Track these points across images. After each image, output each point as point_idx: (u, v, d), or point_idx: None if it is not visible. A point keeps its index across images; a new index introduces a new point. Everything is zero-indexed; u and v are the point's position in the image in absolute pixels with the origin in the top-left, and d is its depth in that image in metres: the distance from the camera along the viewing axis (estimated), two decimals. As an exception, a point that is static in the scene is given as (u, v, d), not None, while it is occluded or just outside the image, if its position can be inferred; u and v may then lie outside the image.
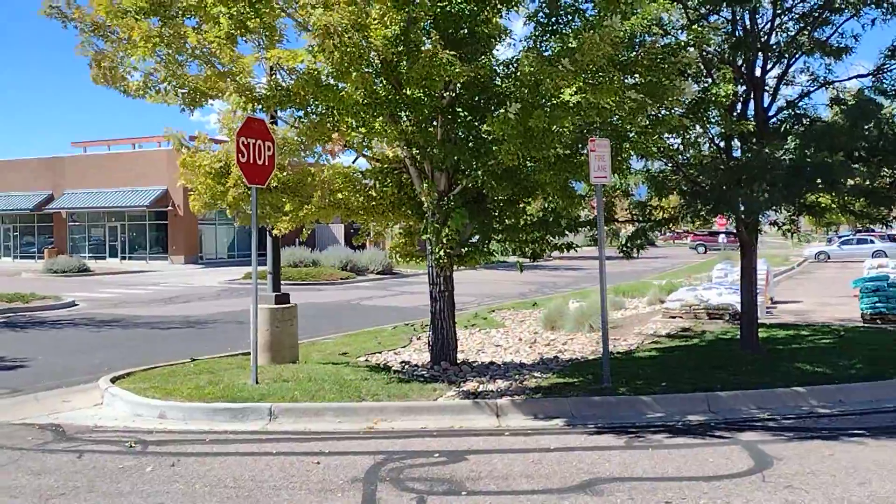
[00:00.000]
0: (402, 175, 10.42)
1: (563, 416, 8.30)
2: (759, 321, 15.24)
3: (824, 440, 7.23)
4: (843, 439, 7.23)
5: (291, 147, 9.83)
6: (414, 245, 10.84)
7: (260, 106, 8.71)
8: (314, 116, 8.97)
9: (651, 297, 20.14)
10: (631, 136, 9.55)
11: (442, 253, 9.58)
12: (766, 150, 9.31)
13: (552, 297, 21.47)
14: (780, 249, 51.17)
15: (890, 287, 14.65)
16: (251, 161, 9.43)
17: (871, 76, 10.94)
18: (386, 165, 10.36)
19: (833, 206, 11.49)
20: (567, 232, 10.26)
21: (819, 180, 9.08)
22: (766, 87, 11.38)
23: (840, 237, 45.06)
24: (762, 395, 8.62)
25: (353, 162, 10.60)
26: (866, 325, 14.61)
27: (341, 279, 30.00)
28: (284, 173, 10.28)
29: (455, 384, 9.50)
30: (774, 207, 9.06)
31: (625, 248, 11.80)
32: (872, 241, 41.61)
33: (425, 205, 9.49)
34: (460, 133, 9.37)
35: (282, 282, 28.34)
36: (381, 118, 9.17)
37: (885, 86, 10.72)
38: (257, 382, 9.57)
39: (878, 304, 14.60)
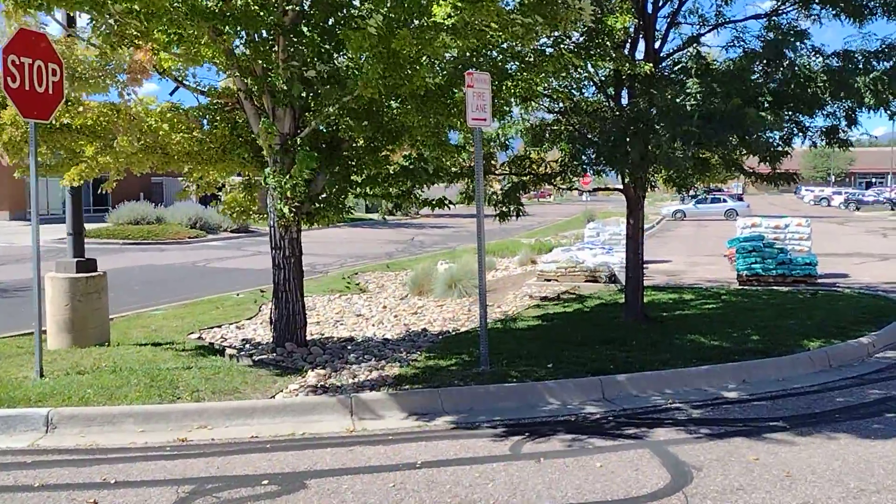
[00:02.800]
0: (237, 113, 8.31)
1: (435, 412, 6.61)
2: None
3: (744, 437, 5.91)
4: (764, 436, 5.94)
5: (90, 73, 7.52)
6: (254, 201, 8.79)
7: (40, 2, 6.30)
8: (113, 23, 6.68)
9: (522, 257, 18.97)
10: (513, 72, 7.88)
11: (286, 209, 7.65)
12: (668, 95, 7.86)
13: (419, 258, 20.42)
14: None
15: (766, 247, 13.95)
16: (26, 87, 7.04)
17: (766, 17, 9.76)
18: (215, 100, 8.21)
19: (719, 163, 10.35)
20: (437, 182, 8.56)
21: (731, 130, 7.72)
22: (657, 30, 10.02)
23: (693, 197, 46.02)
24: (662, 378, 7.28)
25: (171, 95, 8.37)
26: (743, 286, 13.91)
27: (189, 238, 27.22)
28: (81, 108, 7.92)
29: (301, 372, 7.62)
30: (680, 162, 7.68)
31: (502, 209, 10.24)
32: (725, 201, 42.70)
33: (265, 150, 7.49)
34: (308, 59, 7.34)
35: (121, 241, 25.50)
36: (205, 37, 7.03)
37: (781, 27, 9.53)
38: (42, 376, 7.30)
39: (754, 266, 13.89)
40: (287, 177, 7.42)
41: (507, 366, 7.68)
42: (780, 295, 12.55)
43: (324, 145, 8.22)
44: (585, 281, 14.14)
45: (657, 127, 7.75)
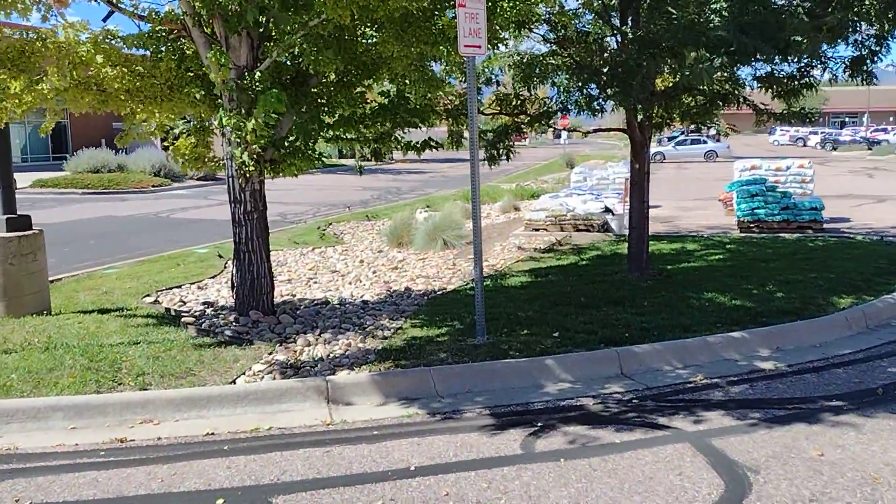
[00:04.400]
0: (185, 42, 7.00)
1: (427, 395, 5.55)
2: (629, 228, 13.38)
3: (799, 423, 4.92)
4: (822, 421, 4.95)
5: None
6: (208, 147, 7.53)
7: None
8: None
9: (505, 204, 17.91)
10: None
11: (246, 157, 6.45)
12: (691, 10, 6.64)
13: (396, 206, 19.36)
14: (611, 151, 51.07)
15: (769, 191, 12.96)
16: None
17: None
18: (158, 27, 6.88)
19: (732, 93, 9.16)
20: (422, 123, 7.41)
21: (764, 47, 6.55)
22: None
23: (671, 138, 44.97)
24: (686, 347, 6.27)
25: (105, 21, 7.00)
26: (745, 233, 12.94)
27: (153, 187, 25.73)
28: (-3, 36, 6.54)
29: (269, 345, 6.50)
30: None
31: (491, 152, 9.10)
32: (705, 142, 41.64)
33: (217, 86, 6.24)
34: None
35: (80, 191, 24.11)
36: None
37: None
38: (-42, 358, 6.08)
39: (757, 211, 12.90)
40: (250, 119, 6.17)
41: (507, 335, 6.63)
42: (789, 243, 11.60)
43: (288, 81, 6.99)
44: (576, 230, 13.15)
45: (679, 46, 6.55)
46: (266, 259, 7.21)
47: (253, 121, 5.99)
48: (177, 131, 7.63)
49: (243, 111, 6.29)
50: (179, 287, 9.49)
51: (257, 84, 6.33)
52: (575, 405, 5.38)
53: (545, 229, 13.29)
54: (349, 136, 7.65)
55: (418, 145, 7.74)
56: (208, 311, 7.98)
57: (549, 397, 5.52)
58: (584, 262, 10.56)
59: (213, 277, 10.17)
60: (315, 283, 9.92)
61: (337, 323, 7.37)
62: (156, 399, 5.27)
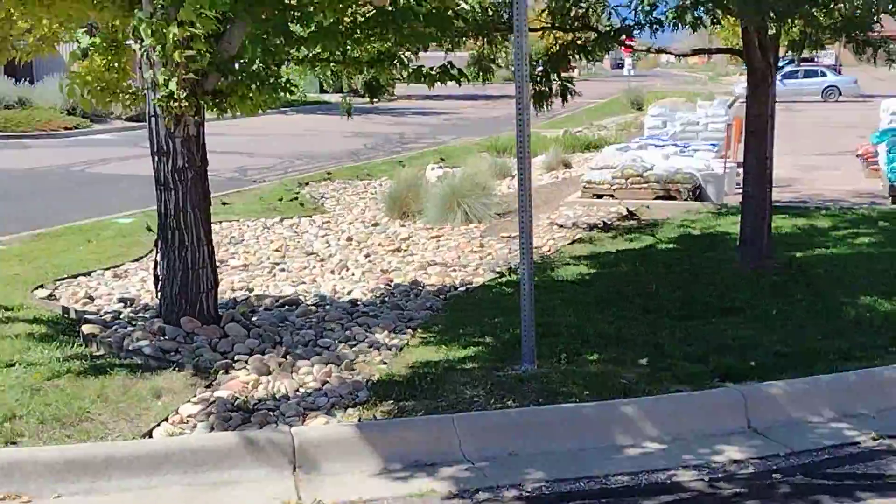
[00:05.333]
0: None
1: (448, 460, 4.80)
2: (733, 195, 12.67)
3: None
4: None
5: None
6: (124, 72, 6.84)
7: None
8: None
9: (550, 158, 17.23)
10: None
11: (174, 86, 5.80)
12: None
13: (399, 160, 18.98)
14: (693, 86, 50.10)
15: (936, 145, 12.10)
16: None
17: None
18: None
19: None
20: (439, 37, 6.77)
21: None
22: None
23: (778, 69, 43.78)
24: (847, 386, 5.47)
25: None
26: (896, 204, 12.17)
27: (66, 129, 25.08)
28: None
29: (206, 375, 5.77)
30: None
31: (539, 87, 8.49)
32: (823, 74, 40.43)
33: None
34: None
35: None
36: None
37: None
38: None
39: (917, 172, 12.06)
40: (174, 25, 5.45)
41: (568, 361, 5.88)
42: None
43: None
44: (656, 198, 12.49)
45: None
46: (206, 240, 6.57)
47: (177, 27, 5.23)
48: (78, 48, 6.90)
49: (170, 15, 5.53)
50: (88, 275, 9.03)
51: None
52: (677, 483, 4.60)
53: (611, 195, 12.62)
54: (332, 59, 6.94)
55: (433, 73, 7.00)
56: (125, 313, 7.39)
57: (634, 468, 4.74)
58: (671, 246, 9.91)
59: (136, 260, 9.68)
60: (282, 270, 9.42)
61: (312, 337, 6.70)
62: (26, 462, 4.53)
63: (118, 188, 15.59)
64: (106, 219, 12.18)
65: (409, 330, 6.86)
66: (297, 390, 5.54)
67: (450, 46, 7.92)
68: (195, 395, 5.40)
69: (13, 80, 27.77)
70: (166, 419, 5.09)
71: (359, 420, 5.04)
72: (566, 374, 5.66)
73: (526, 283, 5.82)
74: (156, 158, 6.40)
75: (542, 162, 17.27)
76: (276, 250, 10.38)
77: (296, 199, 14.00)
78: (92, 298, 8.01)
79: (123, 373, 5.74)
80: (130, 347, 6.21)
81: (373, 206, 13.46)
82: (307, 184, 15.68)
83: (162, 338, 6.34)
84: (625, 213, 11.82)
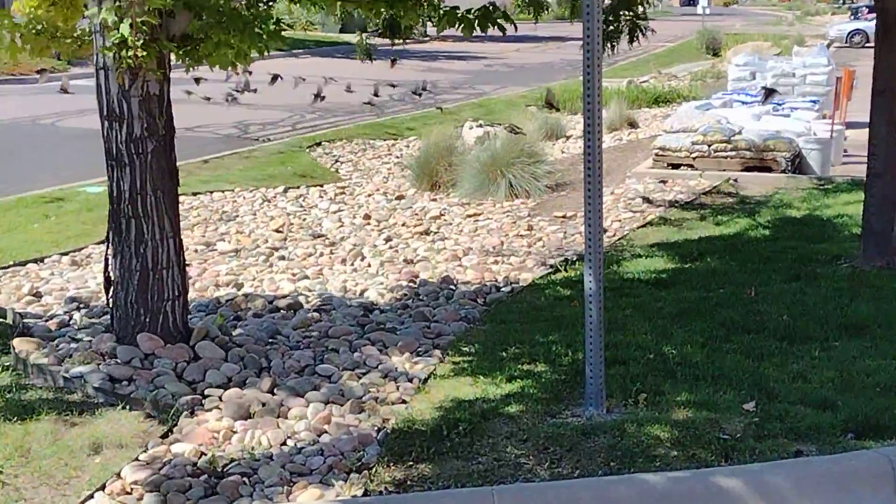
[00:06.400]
0: None
1: (484, 554, 3.96)
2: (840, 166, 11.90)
3: None
4: None
5: None
6: (69, 13, 6.14)
7: None
8: None
9: (613, 116, 16.42)
10: None
11: (127, 28, 5.19)
12: None
13: (429, 116, 18.40)
14: (778, 27, 48.72)
15: None
16: None
17: None
18: None
19: None
20: None
21: None
22: None
23: (871, 7, 42.47)
24: None
25: None
26: None
27: (37, 73, 24.48)
28: None
29: (164, 418, 4.99)
30: None
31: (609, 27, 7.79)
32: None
33: None
34: None
35: None
36: None
37: None
38: None
39: None
40: None
41: (646, 402, 5.05)
42: None
43: None
44: (745, 168, 11.74)
45: None
46: (172, 231, 5.90)
47: None
48: None
49: None
50: (40, 261, 8.59)
51: None
52: None
53: (690, 165, 11.90)
54: None
55: (471, 17, 6.19)
56: (76, 318, 6.75)
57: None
58: (768, 234, 9.21)
59: (102, 242, 8.80)
60: (282, 259, 8.87)
61: (309, 360, 5.94)
62: None
63: (92, 148, 14.78)
64: (72, 187, 11.64)
65: (437, 351, 6.08)
66: (284, 443, 4.74)
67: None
68: (146, 450, 4.61)
69: None
70: (103, 487, 4.30)
71: (364, 493, 4.22)
72: (645, 424, 4.82)
73: (594, 300, 4.94)
74: (106, 124, 5.71)
75: (605, 118, 16.46)
76: (277, 230, 9.82)
77: (306, 161, 13.57)
78: (39, 295, 7.45)
79: (56, 410, 5.00)
80: (71, 374, 5.45)
81: (397, 173, 12.97)
82: (319, 143, 15.19)
83: (112, 361, 5.60)
84: (706, 186, 11.16)
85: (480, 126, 15.36)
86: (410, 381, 5.58)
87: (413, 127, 16.71)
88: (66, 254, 8.67)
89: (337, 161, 13.97)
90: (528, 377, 5.57)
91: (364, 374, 5.69)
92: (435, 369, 5.76)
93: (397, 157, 14.17)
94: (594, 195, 4.93)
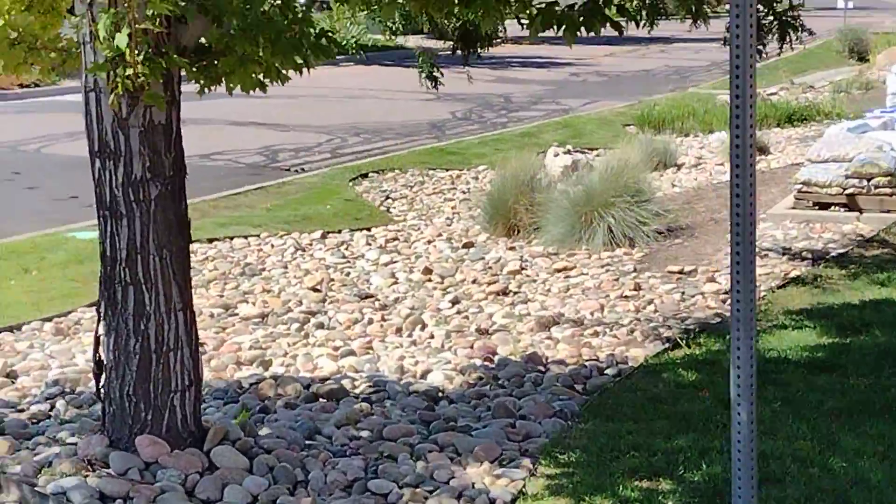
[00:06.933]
0: None
1: None
2: None
3: None
4: None
5: None
6: (55, 11, 6.17)
7: None
8: None
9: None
10: None
11: (122, 40, 5.14)
12: None
13: (503, 138, 18.82)
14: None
15: None
16: None
17: None
18: None
19: None
20: None
21: None
22: None
23: None
24: None
25: None
26: None
27: (22, 86, 25.51)
28: None
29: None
30: None
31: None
32: None
33: None
34: None
35: None
36: None
37: None
38: None
39: None
40: None
41: None
42: None
43: None
44: None
45: None
46: (182, 302, 5.78)
47: None
48: None
49: None
50: (16, 329, 8.64)
51: None
52: None
53: (843, 205, 11.69)
54: None
55: (576, 13, 6.01)
56: (59, 406, 6.76)
57: None
58: None
59: (93, 305, 8.86)
60: (320, 328, 8.82)
61: (359, 471, 5.74)
62: None
63: (84, 180, 14.97)
64: (58, 231, 11.82)
65: (526, 459, 5.88)
66: None
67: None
68: None
69: None
70: None
71: None
72: None
73: (744, 397, 4.57)
74: (97, 163, 5.60)
75: (719, 142, 16.79)
76: (314, 288, 9.77)
77: (349, 200, 13.62)
78: (14, 376, 7.46)
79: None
80: (50, 489, 5.30)
81: (464, 212, 12.97)
82: (366, 175, 15.28)
83: (104, 472, 5.45)
84: (868, 232, 11.14)
85: (568, 152, 15.34)
86: (492, 503, 5.36)
87: (483, 153, 16.80)
88: (48, 319, 8.68)
89: (388, 197, 13.98)
90: (650, 499, 5.34)
91: (431, 492, 5.47)
92: (524, 486, 5.58)
93: (464, 193, 14.21)
94: (745, 249, 4.57)
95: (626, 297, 9.30)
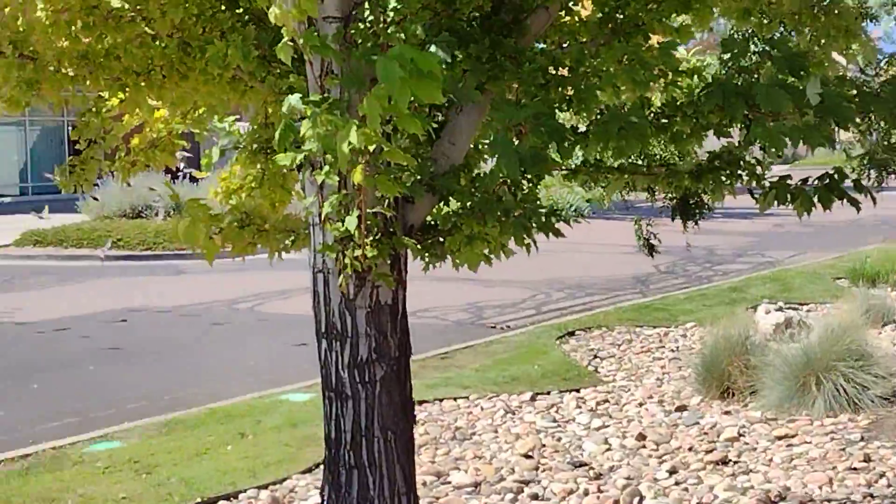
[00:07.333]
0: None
1: None
2: None
3: None
4: None
5: None
6: (280, 194, 6.25)
7: None
8: None
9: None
10: None
11: (352, 223, 5.11)
12: None
13: (710, 293, 18.53)
14: None
15: None
16: None
17: None
18: None
19: None
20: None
21: None
22: None
23: None
24: None
25: None
26: None
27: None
28: None
29: None
30: None
31: None
32: None
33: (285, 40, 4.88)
34: None
35: (101, 253, 24.77)
36: None
37: None
38: None
39: None
40: (349, 125, 4.66)
41: None
42: None
43: (473, 22, 5.51)
44: None
45: None
46: (406, 486, 5.68)
47: (355, 131, 4.31)
48: (213, 155, 6.41)
49: (352, 99, 4.72)
50: (233, 497, 8.52)
51: (394, 24, 4.73)
52: None
53: None
54: (629, 168, 5.96)
55: (808, 190, 5.80)
56: None
57: None
58: None
59: (309, 471, 9.07)
60: (534, 499, 8.45)
61: None
62: None
63: (297, 339, 15.23)
64: (272, 393, 11.85)
65: None
66: None
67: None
68: None
69: (171, 175, 28.92)
70: None
71: None
72: None
73: None
74: (324, 343, 5.52)
75: None
76: (526, 455, 9.45)
77: (555, 356, 13.31)
78: None
79: None
80: None
81: (674, 372, 12.49)
82: (572, 333, 15.05)
83: None
84: None
85: (780, 309, 14.85)
86: None
87: (689, 309, 16.48)
88: (264, 487, 8.61)
89: (595, 356, 13.65)
90: None
91: None
92: None
93: (672, 351, 13.79)
94: None
95: (854, 469, 8.72)
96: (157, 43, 5.64)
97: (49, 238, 27.17)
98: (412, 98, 4.35)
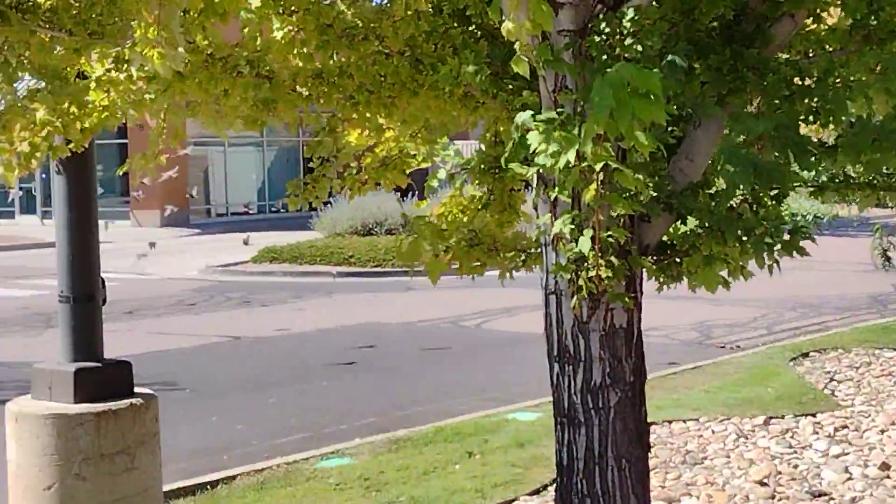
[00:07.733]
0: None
1: None
2: None
3: None
4: None
5: None
6: (511, 213, 6.15)
7: None
8: None
9: None
10: None
11: (587, 245, 4.99)
12: None
13: None
14: None
15: None
16: None
17: None
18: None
19: None
20: None
21: None
22: None
23: None
24: None
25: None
26: None
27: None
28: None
29: None
30: None
31: None
32: None
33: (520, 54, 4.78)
34: None
35: (334, 270, 25.56)
36: None
37: None
38: None
39: None
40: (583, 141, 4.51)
41: None
42: None
43: (711, 32, 5.27)
44: None
45: None
46: None
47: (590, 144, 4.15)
48: (438, 178, 6.37)
49: (574, 123, 4.56)
50: None
51: (630, 36, 4.62)
52: None
53: None
54: (873, 181, 5.70)
55: None
56: None
57: None
58: None
59: (536, 493, 8.92)
60: None
61: None
62: None
63: (526, 358, 15.14)
64: (498, 412, 11.78)
65: None
66: None
67: None
68: None
69: (401, 194, 29.89)
70: None
71: None
72: None
73: None
74: (556, 367, 5.37)
75: None
76: (761, 482, 9.06)
77: (788, 385, 12.77)
78: None
79: None
80: None
81: None
82: (806, 354, 14.56)
83: None
84: None
85: None
86: None
87: None
88: None
89: (832, 379, 13.10)
90: None
91: None
92: None
93: (914, 372, 13.16)
94: None
95: None
96: (390, 60, 5.66)
97: (285, 255, 28.29)
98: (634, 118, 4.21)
